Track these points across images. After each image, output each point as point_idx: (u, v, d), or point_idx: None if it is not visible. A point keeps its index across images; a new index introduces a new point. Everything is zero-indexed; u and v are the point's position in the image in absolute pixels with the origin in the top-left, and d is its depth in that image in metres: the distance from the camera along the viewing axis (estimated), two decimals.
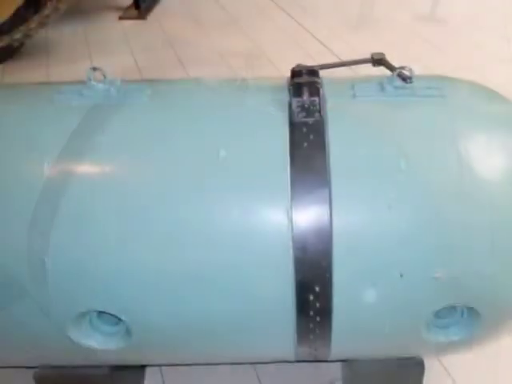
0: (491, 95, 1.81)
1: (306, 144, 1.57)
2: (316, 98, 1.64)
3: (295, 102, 1.64)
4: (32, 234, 1.54)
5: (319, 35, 5.10)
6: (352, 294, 1.56)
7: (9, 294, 1.59)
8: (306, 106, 1.63)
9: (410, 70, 1.69)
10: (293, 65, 1.78)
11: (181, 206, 1.54)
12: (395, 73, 1.69)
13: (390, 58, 1.87)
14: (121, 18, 5.89)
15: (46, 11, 4.54)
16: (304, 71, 1.73)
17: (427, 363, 1.92)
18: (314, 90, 1.65)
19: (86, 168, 1.59)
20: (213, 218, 1.53)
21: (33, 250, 1.54)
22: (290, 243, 1.51)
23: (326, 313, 1.58)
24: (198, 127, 1.64)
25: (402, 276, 1.51)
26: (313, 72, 1.74)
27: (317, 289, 1.54)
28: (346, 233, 1.51)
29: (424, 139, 1.58)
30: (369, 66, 1.91)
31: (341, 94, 1.71)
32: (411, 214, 1.51)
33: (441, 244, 1.52)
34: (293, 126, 1.61)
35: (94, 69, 1.74)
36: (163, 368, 2.32)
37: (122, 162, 1.61)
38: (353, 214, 1.52)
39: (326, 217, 1.50)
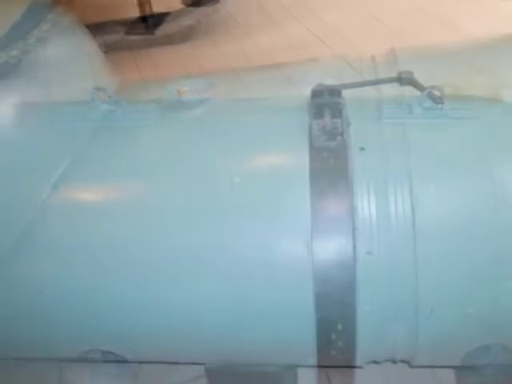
0: None
1: (327, 170, 1.57)
2: (338, 120, 1.64)
3: (316, 124, 1.64)
4: (30, 264, 1.56)
5: (339, 49, 5.11)
6: (377, 332, 1.57)
7: (6, 327, 1.60)
8: (328, 128, 1.62)
9: (441, 89, 1.68)
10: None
11: (189, 237, 1.55)
12: (424, 93, 1.69)
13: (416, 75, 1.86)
14: (127, 33, 5.93)
15: (46, 25, 4.57)
16: (325, 91, 1.73)
17: None
18: (336, 111, 1.65)
19: (88, 195, 1.61)
20: (225, 250, 1.54)
21: (31, 281, 1.55)
22: (311, 277, 1.51)
23: (349, 352, 1.58)
24: (210, 152, 1.65)
25: (432, 311, 1.51)
26: (334, 92, 1.73)
27: (339, 327, 1.54)
28: (371, 265, 1.51)
29: (455, 164, 1.59)
30: (395, 84, 1.90)
31: (365, 116, 1.71)
32: (440, 244, 1.51)
33: (473, 276, 1.52)
34: (313, 150, 1.61)
35: (98, 88, 1.76)
36: None
37: (127, 189, 1.63)
38: (378, 245, 1.51)
39: (350, 248, 1.50)
